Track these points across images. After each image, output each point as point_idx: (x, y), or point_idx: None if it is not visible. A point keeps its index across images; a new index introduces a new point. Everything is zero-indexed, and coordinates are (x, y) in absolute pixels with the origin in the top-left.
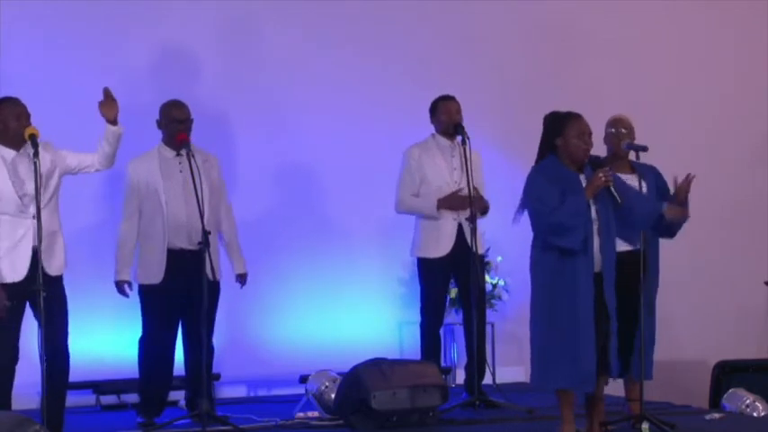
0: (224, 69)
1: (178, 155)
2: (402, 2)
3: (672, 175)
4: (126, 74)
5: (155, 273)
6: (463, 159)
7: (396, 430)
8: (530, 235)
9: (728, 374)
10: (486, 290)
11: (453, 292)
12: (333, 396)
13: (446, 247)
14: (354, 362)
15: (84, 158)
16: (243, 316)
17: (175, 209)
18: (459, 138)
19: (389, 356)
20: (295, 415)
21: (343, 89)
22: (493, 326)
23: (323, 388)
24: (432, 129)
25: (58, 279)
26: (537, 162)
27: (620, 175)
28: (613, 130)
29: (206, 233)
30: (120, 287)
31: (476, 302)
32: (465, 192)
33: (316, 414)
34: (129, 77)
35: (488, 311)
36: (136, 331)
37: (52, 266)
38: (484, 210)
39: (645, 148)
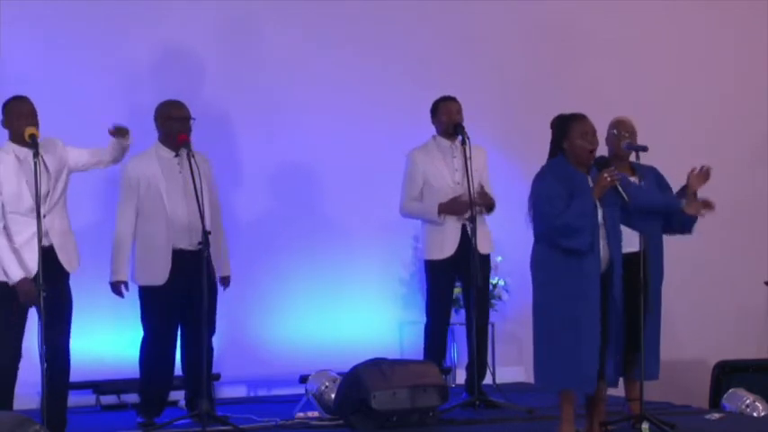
0: (224, 69)
1: (177, 155)
2: (402, 2)
3: (672, 176)
4: (126, 74)
5: (157, 274)
6: (464, 159)
7: (396, 430)
8: (530, 235)
9: (728, 374)
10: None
11: (456, 292)
12: (333, 396)
13: (450, 248)
14: (354, 362)
15: (94, 153)
16: (243, 316)
17: (176, 209)
18: (459, 138)
19: (390, 356)
20: (295, 415)
21: (343, 89)
22: (493, 326)
23: (323, 388)
24: (433, 130)
25: (68, 283)
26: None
27: None
28: (615, 131)
29: (206, 233)
30: (117, 288)
31: (475, 302)
32: (466, 196)
33: (316, 414)
34: (129, 77)
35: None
36: (136, 331)
37: (70, 264)
38: (490, 207)
39: (645, 149)
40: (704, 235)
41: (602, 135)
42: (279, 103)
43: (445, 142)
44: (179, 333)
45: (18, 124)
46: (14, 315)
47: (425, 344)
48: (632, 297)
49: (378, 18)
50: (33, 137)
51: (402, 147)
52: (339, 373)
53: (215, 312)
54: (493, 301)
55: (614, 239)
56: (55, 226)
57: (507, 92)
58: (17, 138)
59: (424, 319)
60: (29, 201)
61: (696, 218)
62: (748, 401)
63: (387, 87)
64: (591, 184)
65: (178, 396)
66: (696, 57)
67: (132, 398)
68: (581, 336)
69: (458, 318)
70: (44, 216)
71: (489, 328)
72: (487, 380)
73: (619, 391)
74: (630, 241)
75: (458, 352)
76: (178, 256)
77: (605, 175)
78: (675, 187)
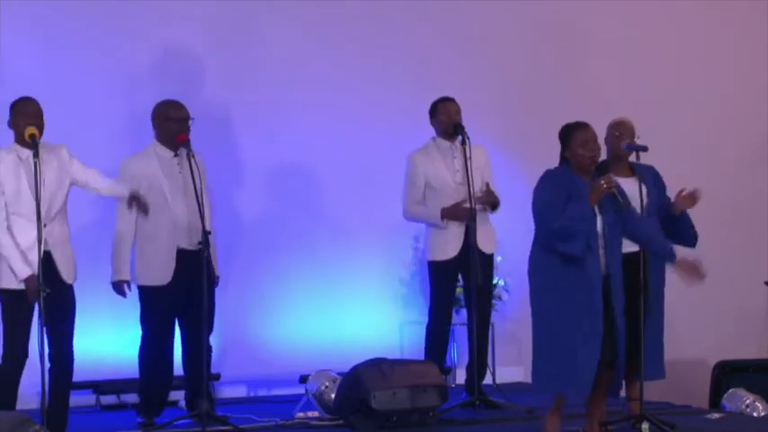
0: (224, 69)
1: (176, 155)
2: (402, 2)
3: (671, 176)
4: (126, 74)
5: (160, 274)
6: (464, 160)
7: (396, 430)
8: (529, 235)
9: (728, 374)
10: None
11: (457, 292)
12: (333, 396)
13: (454, 249)
14: (354, 362)
15: (94, 179)
16: (243, 316)
17: (177, 209)
18: (459, 138)
19: (390, 356)
20: (295, 415)
21: (343, 89)
22: (493, 326)
23: (323, 388)
24: (432, 132)
25: (70, 287)
26: None
27: (619, 178)
28: (617, 133)
29: (206, 233)
30: (120, 287)
31: (476, 302)
32: (466, 203)
33: (316, 414)
34: (129, 77)
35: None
36: (136, 331)
37: (67, 273)
38: (494, 205)
39: (645, 149)
40: (704, 235)
41: (602, 136)
42: (279, 103)
43: (445, 143)
44: (177, 333)
45: (21, 124)
46: (21, 316)
47: (427, 345)
48: (633, 298)
49: (378, 18)
50: (33, 137)
51: (402, 147)
52: (339, 373)
53: (213, 311)
54: (493, 301)
55: (613, 246)
56: (54, 234)
57: (507, 92)
58: (21, 138)
59: (424, 319)
60: (29, 202)
61: (696, 236)
62: (748, 401)
63: (387, 87)
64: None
65: (178, 396)
66: (696, 57)
67: (132, 398)
68: (577, 341)
69: (458, 318)
70: (44, 225)
71: (489, 328)
72: (487, 380)
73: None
74: (629, 243)
75: (458, 352)
76: (179, 255)
77: (601, 181)
78: (675, 188)
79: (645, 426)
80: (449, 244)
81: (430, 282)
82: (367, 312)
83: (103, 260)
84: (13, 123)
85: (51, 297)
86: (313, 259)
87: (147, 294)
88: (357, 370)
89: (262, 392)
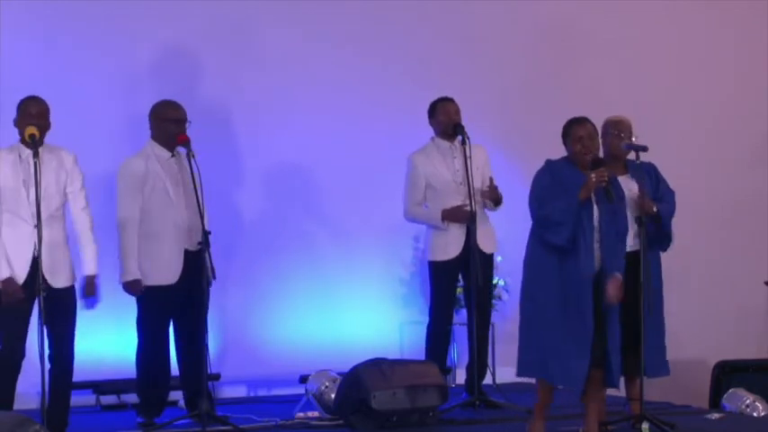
0: (224, 69)
1: (173, 155)
2: (402, 2)
3: (671, 176)
4: (126, 74)
5: (167, 274)
6: (464, 159)
7: (396, 430)
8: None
9: (728, 374)
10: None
11: (457, 292)
12: (333, 396)
13: (455, 249)
14: (354, 362)
15: (75, 203)
16: (243, 316)
17: (178, 209)
18: (459, 138)
19: (390, 356)
20: (295, 415)
21: (343, 89)
22: (493, 326)
23: (323, 388)
24: (431, 132)
25: (67, 290)
26: None
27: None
28: (615, 131)
29: (206, 233)
30: (135, 286)
31: (476, 302)
32: (466, 205)
33: (316, 414)
34: (128, 78)
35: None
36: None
37: (56, 280)
38: (497, 201)
39: (645, 149)
40: (704, 235)
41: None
42: (279, 103)
43: (444, 143)
44: (173, 333)
45: (23, 124)
46: (19, 316)
47: (427, 345)
48: (633, 296)
49: (378, 18)
50: (33, 137)
51: (402, 147)
52: (339, 373)
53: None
54: (493, 301)
55: (609, 241)
56: (44, 237)
57: (507, 92)
58: (23, 137)
59: (424, 319)
60: (23, 202)
61: (670, 241)
62: (748, 401)
63: (387, 87)
64: None
65: (178, 396)
66: (696, 57)
67: (132, 398)
68: (565, 332)
69: (458, 318)
70: (35, 226)
71: (490, 328)
72: (487, 380)
73: (619, 390)
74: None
75: (458, 352)
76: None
77: (592, 175)
78: (672, 188)
79: (645, 426)
80: (450, 244)
81: (430, 282)
82: (367, 312)
83: (104, 260)
84: (17, 122)
85: (47, 299)
86: (313, 259)
87: (150, 295)
88: (357, 370)
89: (262, 392)
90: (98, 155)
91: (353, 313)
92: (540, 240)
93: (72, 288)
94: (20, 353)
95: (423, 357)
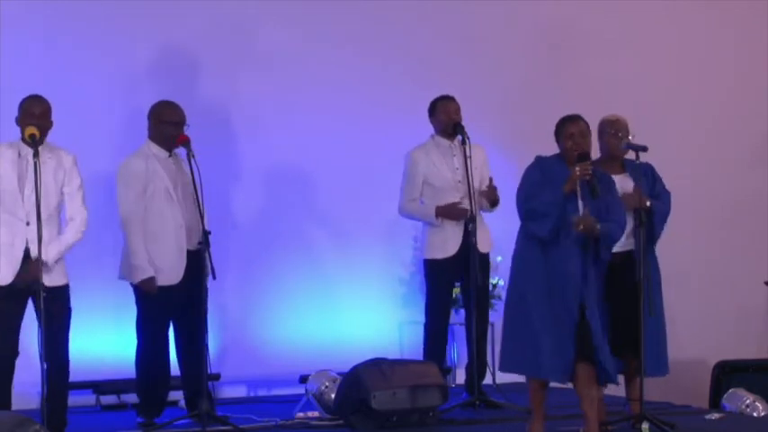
0: (224, 69)
1: (171, 155)
2: (402, 2)
3: (671, 176)
4: (126, 74)
5: (170, 274)
6: (464, 158)
7: (396, 430)
8: None
9: (728, 374)
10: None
11: (455, 292)
12: (333, 396)
13: (452, 248)
14: (354, 362)
15: (71, 202)
16: (243, 316)
17: (179, 209)
18: (459, 137)
19: (389, 356)
20: (295, 415)
21: (343, 89)
22: (493, 326)
23: (323, 388)
24: (431, 130)
25: (61, 289)
26: None
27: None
28: (612, 131)
29: (206, 233)
30: (150, 284)
31: (475, 302)
32: (465, 204)
33: (316, 414)
34: (129, 77)
35: (489, 312)
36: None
37: (50, 279)
38: (494, 201)
39: (644, 148)
40: (704, 235)
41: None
42: (279, 103)
43: (444, 142)
44: (173, 333)
45: (24, 123)
46: (10, 314)
47: (425, 344)
48: (627, 296)
49: (378, 18)
50: (33, 136)
51: (402, 147)
52: (339, 373)
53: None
54: (492, 300)
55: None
56: (37, 236)
57: (507, 92)
58: (24, 137)
59: (423, 318)
60: (17, 200)
61: (657, 235)
62: (748, 401)
63: (387, 87)
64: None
65: (178, 396)
66: (696, 57)
67: (132, 398)
68: (547, 327)
69: (458, 318)
70: (27, 224)
71: (489, 327)
72: (487, 380)
73: (619, 390)
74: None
75: (458, 352)
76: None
77: (576, 168)
78: (675, 189)
79: (645, 426)
80: (447, 242)
81: (426, 280)
82: (367, 312)
83: (104, 260)
84: (19, 121)
85: (40, 294)
86: (313, 259)
87: (151, 295)
88: (357, 370)
89: (262, 392)
90: (98, 155)
91: (353, 313)
92: (525, 235)
93: (66, 287)
94: (13, 351)
95: (422, 357)
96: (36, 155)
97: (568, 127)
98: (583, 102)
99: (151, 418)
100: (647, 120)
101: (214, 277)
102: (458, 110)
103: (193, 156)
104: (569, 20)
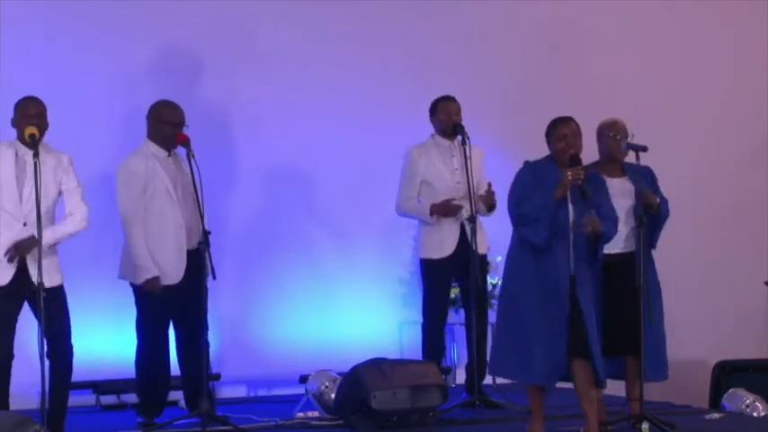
0: (224, 69)
1: (170, 154)
2: (402, 2)
3: (672, 176)
4: (126, 74)
5: (171, 273)
6: (463, 159)
7: (396, 430)
8: None
9: (728, 374)
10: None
11: (454, 293)
12: (333, 396)
13: (449, 248)
14: (354, 362)
15: (70, 199)
16: (243, 316)
17: (179, 209)
18: (459, 138)
19: (389, 356)
20: (295, 415)
21: (343, 89)
22: (492, 326)
23: (323, 388)
24: (431, 130)
25: (57, 289)
26: None
27: (610, 178)
28: (611, 133)
29: (206, 233)
30: (155, 283)
31: (475, 303)
32: (461, 198)
33: (316, 414)
34: (129, 77)
35: (488, 312)
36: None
37: (48, 279)
38: (491, 206)
39: (645, 149)
40: (704, 235)
41: (591, 134)
42: (279, 103)
43: (444, 142)
44: (171, 333)
45: (22, 124)
46: (8, 315)
47: (423, 344)
48: (626, 297)
49: (378, 18)
50: (33, 137)
51: (402, 147)
52: (339, 373)
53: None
54: (492, 301)
55: (581, 239)
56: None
57: (507, 92)
58: (22, 137)
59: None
60: (14, 200)
61: (657, 235)
62: (748, 401)
63: (387, 87)
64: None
65: (178, 396)
66: (696, 57)
67: (132, 398)
68: (537, 331)
69: (458, 318)
70: (24, 224)
71: (489, 328)
72: (487, 380)
73: (619, 390)
74: (615, 242)
75: (458, 352)
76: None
77: (567, 172)
78: (675, 189)
79: (645, 426)
80: (444, 242)
81: (423, 280)
82: (367, 312)
83: (104, 261)
84: (15, 121)
85: (35, 298)
86: (312, 259)
87: (151, 294)
88: (357, 370)
89: (262, 392)
90: (98, 155)
91: (353, 313)
92: (518, 239)
93: (62, 287)
94: (8, 353)
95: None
96: (36, 155)
97: (560, 128)
98: (583, 102)
99: (151, 418)
100: (647, 120)
101: (214, 277)
102: (458, 110)
103: (193, 155)
104: (569, 20)
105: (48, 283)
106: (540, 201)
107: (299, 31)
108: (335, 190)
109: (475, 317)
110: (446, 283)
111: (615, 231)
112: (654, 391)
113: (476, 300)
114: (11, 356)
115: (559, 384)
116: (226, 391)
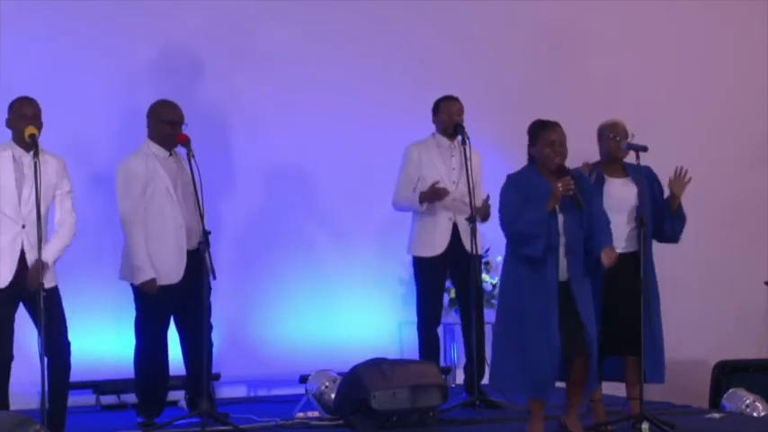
0: (224, 69)
1: (170, 154)
2: (402, 2)
3: (670, 176)
4: (126, 74)
5: (171, 273)
6: (463, 159)
7: (396, 430)
8: None
9: (728, 374)
10: (486, 290)
11: (453, 292)
12: (333, 396)
13: (441, 246)
14: (354, 362)
15: (61, 206)
16: (243, 316)
17: (179, 209)
18: (459, 138)
19: (389, 356)
20: (295, 415)
21: (343, 89)
22: (491, 326)
23: (323, 388)
24: (431, 129)
25: (53, 290)
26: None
27: (612, 179)
28: (611, 134)
29: (206, 233)
30: (152, 285)
31: (474, 303)
32: (454, 192)
33: (316, 414)
34: (129, 77)
35: (488, 311)
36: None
37: (45, 280)
38: (485, 216)
39: (645, 149)
40: (704, 235)
41: (595, 135)
42: (279, 103)
43: (445, 141)
44: (173, 333)
45: (20, 125)
46: (7, 317)
47: (419, 344)
48: (626, 297)
49: (378, 18)
50: (33, 137)
51: (402, 147)
52: (339, 373)
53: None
54: (492, 300)
55: (576, 248)
56: (30, 238)
57: (507, 92)
58: (18, 138)
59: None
60: (13, 202)
61: (682, 226)
62: (748, 401)
63: (387, 87)
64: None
65: (178, 396)
66: (696, 57)
67: (132, 398)
68: (532, 342)
69: (458, 318)
70: (23, 226)
71: (488, 327)
72: (487, 380)
73: (619, 390)
74: (616, 242)
75: (457, 352)
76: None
77: (558, 184)
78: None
79: (645, 426)
80: (436, 241)
81: (416, 278)
82: (366, 312)
83: (104, 261)
84: (10, 123)
85: (32, 299)
86: (312, 259)
87: (145, 294)
88: (357, 370)
89: (262, 392)
90: (98, 155)
91: (353, 313)
92: (512, 253)
93: (56, 288)
94: (8, 354)
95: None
96: (36, 155)
97: (549, 134)
98: (583, 102)
99: (151, 418)
100: (647, 120)
101: (214, 277)
102: (460, 111)
103: (193, 155)
104: (569, 20)
105: (47, 284)
106: (533, 216)
107: (299, 31)
108: (335, 190)
109: (474, 317)
110: (439, 281)
111: (611, 233)
112: (654, 391)
113: (474, 300)
114: (11, 357)
115: (559, 384)
116: (226, 391)
